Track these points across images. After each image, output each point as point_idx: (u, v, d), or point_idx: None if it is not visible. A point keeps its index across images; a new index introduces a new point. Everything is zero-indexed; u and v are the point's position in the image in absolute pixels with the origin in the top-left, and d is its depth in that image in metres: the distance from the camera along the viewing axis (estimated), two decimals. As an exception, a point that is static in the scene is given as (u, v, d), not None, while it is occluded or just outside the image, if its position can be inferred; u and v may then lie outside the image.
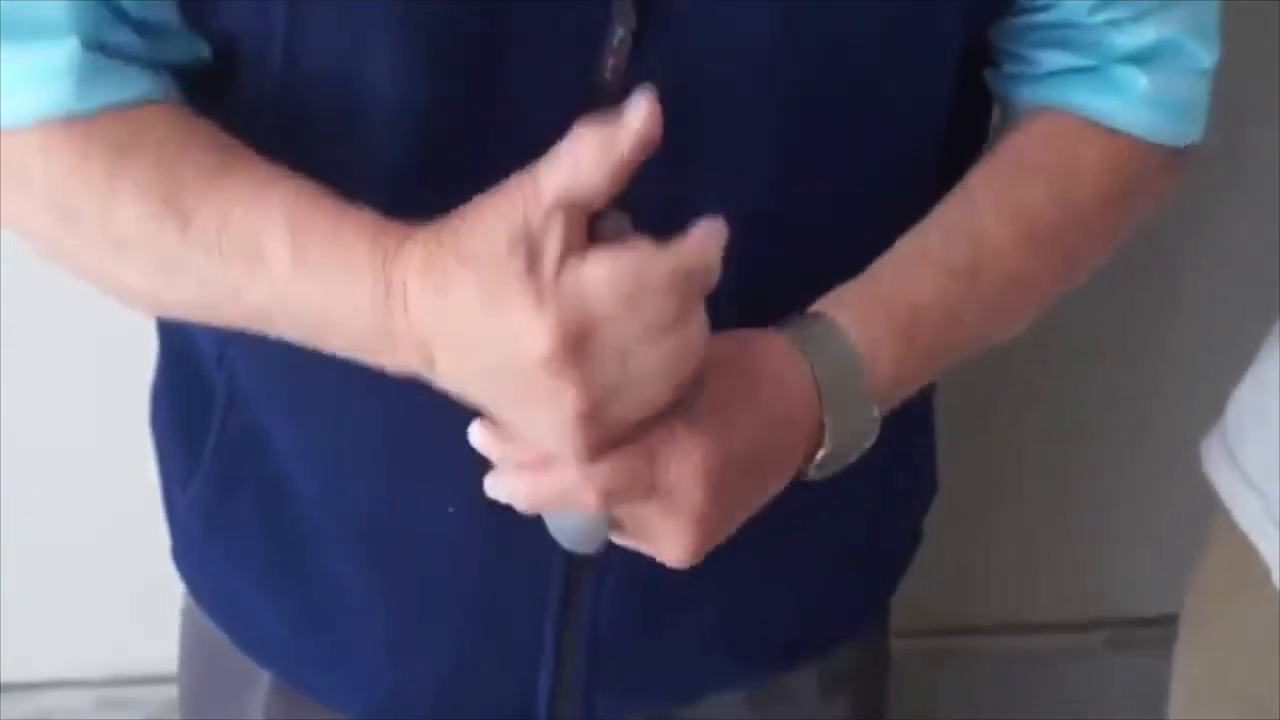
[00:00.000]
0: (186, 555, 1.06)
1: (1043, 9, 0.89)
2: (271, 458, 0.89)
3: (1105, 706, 1.66)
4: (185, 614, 1.12)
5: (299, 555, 0.96)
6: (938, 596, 1.54)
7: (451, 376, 0.77)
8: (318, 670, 1.01)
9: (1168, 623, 1.22)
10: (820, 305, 0.86)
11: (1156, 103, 0.91)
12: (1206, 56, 0.92)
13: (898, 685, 1.52)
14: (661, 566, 0.84)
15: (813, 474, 0.85)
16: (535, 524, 0.84)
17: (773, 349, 0.83)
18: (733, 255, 0.78)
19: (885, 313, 0.86)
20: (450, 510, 0.89)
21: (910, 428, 0.95)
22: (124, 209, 0.80)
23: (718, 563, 0.84)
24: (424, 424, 0.85)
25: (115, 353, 1.27)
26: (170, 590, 1.11)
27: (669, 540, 0.81)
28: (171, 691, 1.17)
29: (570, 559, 0.88)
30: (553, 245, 0.72)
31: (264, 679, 1.04)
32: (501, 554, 0.90)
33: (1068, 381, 1.56)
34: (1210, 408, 1.12)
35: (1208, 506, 1.09)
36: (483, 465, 0.82)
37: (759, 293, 0.84)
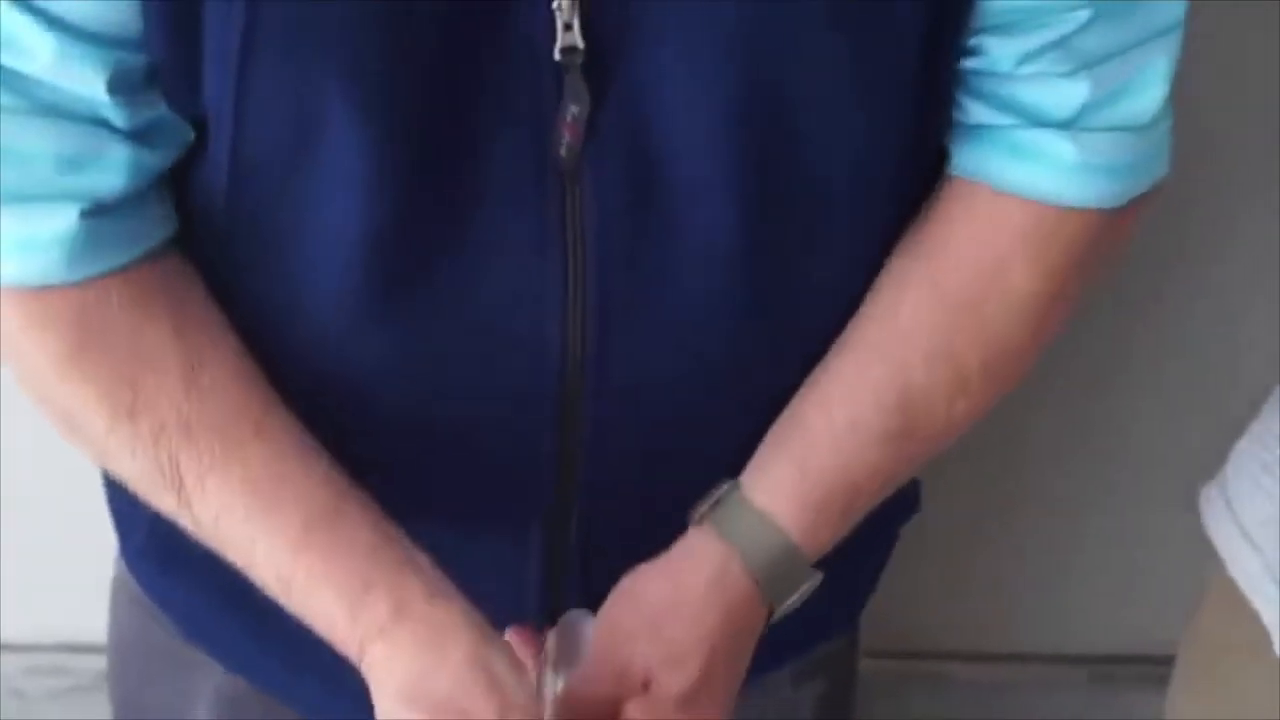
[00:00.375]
0: (140, 565, 1.04)
1: (970, 54, 0.86)
2: None
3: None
4: (118, 582, 1.10)
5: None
6: (915, 619, 1.53)
7: None
8: (280, 676, 0.99)
9: (1153, 661, 1.23)
10: (757, 490, 0.89)
11: (1090, 169, 0.87)
12: (1150, 107, 0.86)
13: (867, 706, 1.52)
14: (642, 534, 0.90)
15: None
16: (506, 569, 0.92)
17: (710, 569, 0.88)
18: (702, 319, 0.84)
19: (824, 496, 0.89)
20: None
21: None
22: (123, 462, 0.85)
23: None
24: (394, 469, 0.88)
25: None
26: (106, 558, 1.07)
27: None
28: (103, 662, 1.15)
29: (547, 586, 0.93)
30: None
31: (210, 665, 1.02)
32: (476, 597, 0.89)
33: (1059, 410, 1.53)
34: (1208, 446, 1.10)
35: (1203, 546, 1.08)
36: (454, 507, 0.89)
37: (732, 354, 0.87)
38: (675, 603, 0.87)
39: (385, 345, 0.85)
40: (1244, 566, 1.03)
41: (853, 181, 0.86)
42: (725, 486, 0.89)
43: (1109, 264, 0.92)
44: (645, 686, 0.86)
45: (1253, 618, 1.02)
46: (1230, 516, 1.05)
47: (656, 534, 0.91)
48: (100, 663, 1.15)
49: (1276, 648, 1.00)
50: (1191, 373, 1.53)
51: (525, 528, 0.92)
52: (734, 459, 0.91)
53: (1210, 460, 1.08)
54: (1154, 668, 1.19)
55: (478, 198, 0.82)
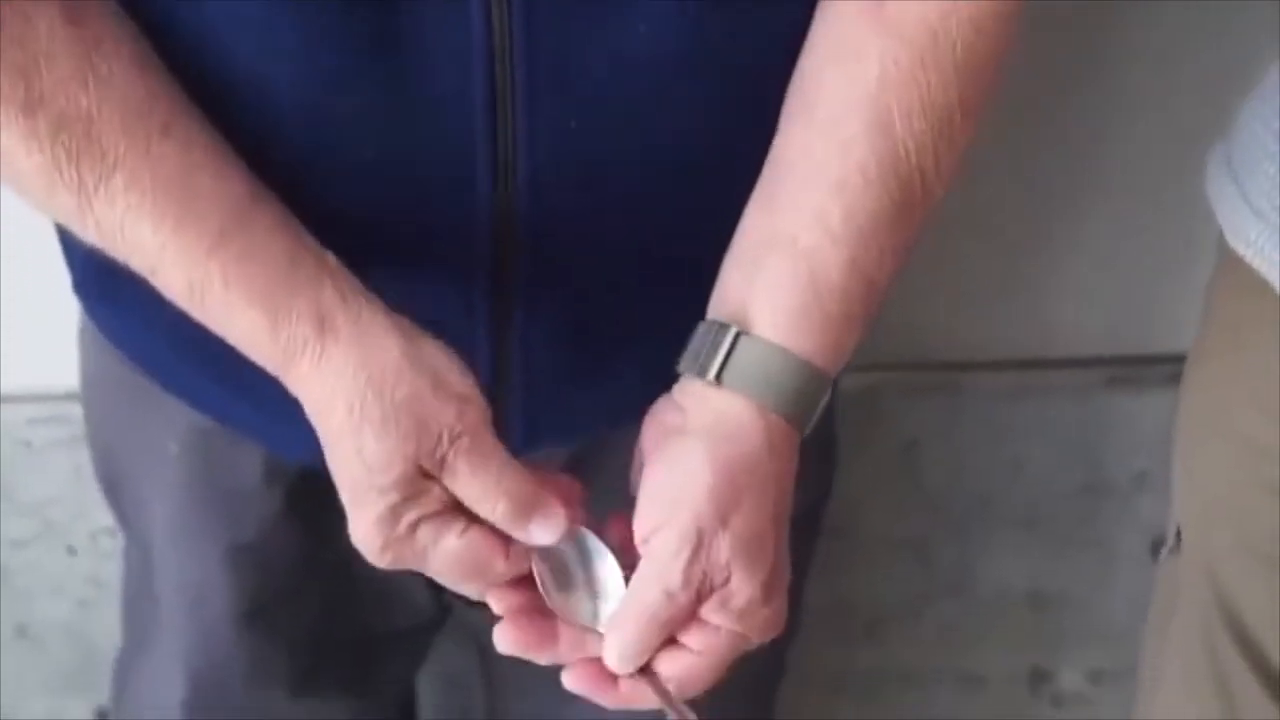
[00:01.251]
0: (86, 297, 1.02)
1: None
2: None
3: (1099, 447, 1.63)
4: (83, 320, 1.09)
5: None
6: (922, 328, 1.52)
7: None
8: (241, 411, 0.98)
9: (1171, 361, 1.20)
10: (769, 325, 0.85)
11: None
12: None
13: (875, 418, 1.54)
14: (589, 317, 0.93)
15: None
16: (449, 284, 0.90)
17: (757, 440, 0.84)
18: (639, 52, 0.83)
19: (840, 304, 0.85)
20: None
21: None
22: (17, 161, 0.80)
23: (650, 306, 0.90)
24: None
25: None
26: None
27: (761, 632, 0.87)
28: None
29: (493, 310, 0.92)
30: (427, 511, 0.82)
31: (174, 400, 1.01)
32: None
33: (1063, 99, 1.48)
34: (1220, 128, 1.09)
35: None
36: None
37: (690, 121, 0.87)
38: (735, 493, 0.83)
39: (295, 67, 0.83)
40: (1247, 235, 1.02)
41: None
42: (731, 332, 0.84)
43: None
44: (725, 582, 0.83)
45: (1261, 289, 1.01)
46: (1234, 184, 1.03)
47: (603, 268, 0.91)
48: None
49: None
50: (1211, 40, 1.46)
51: (470, 270, 0.90)
52: (686, 187, 0.89)
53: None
54: (1176, 367, 1.16)
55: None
